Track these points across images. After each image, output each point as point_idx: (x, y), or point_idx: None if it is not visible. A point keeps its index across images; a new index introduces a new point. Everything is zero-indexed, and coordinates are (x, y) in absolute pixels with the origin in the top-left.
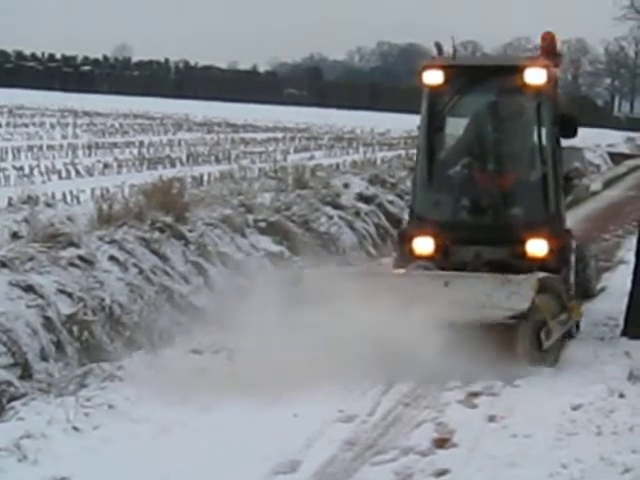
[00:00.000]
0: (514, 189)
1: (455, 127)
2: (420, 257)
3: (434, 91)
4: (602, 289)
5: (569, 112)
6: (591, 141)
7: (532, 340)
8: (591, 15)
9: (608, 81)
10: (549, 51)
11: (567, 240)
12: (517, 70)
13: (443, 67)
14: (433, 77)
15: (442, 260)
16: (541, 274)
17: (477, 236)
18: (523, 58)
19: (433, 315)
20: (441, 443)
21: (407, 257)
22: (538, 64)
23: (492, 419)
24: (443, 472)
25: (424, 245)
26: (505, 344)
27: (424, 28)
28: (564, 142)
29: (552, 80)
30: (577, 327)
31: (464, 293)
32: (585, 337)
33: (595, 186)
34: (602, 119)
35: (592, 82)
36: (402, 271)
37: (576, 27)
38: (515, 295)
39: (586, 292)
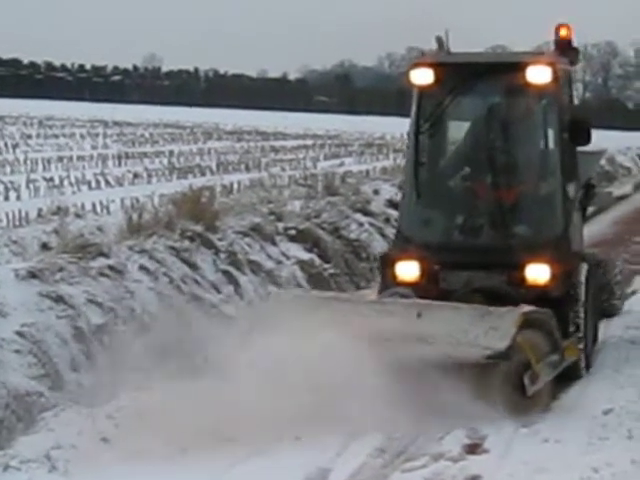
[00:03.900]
0: (514, 205)
1: (449, 133)
2: (404, 283)
3: (425, 92)
4: (633, 292)
5: (580, 115)
6: (622, 144)
7: (513, 385)
8: (621, 17)
9: (638, 84)
10: (564, 46)
11: (575, 265)
12: (518, 68)
13: (434, 65)
14: (423, 76)
15: (429, 287)
16: (527, 307)
17: (470, 260)
18: (526, 54)
19: (399, 351)
20: (472, 449)
21: (390, 283)
22: (542, 61)
23: (523, 424)
24: (474, 478)
25: (408, 270)
26: (482, 388)
27: (455, 33)
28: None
29: (560, 79)
30: (588, 365)
31: (438, 326)
32: (616, 341)
33: (625, 189)
34: (633, 122)
35: (622, 85)
36: (374, 298)
37: (606, 29)
38: (494, 331)
39: (609, 313)
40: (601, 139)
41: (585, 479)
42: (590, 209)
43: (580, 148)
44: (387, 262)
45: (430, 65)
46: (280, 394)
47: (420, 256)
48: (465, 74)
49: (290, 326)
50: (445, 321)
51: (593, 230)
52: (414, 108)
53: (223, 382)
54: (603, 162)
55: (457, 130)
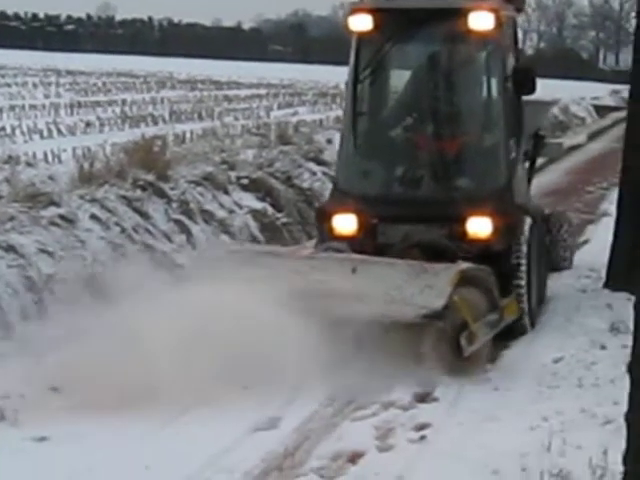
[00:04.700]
0: (456, 156)
1: (389, 82)
2: (341, 237)
3: (363, 39)
4: (585, 242)
5: (524, 63)
6: (576, 94)
7: (449, 345)
8: None
9: (593, 34)
10: None
11: (518, 219)
12: (460, 14)
13: (373, 10)
14: (361, 22)
15: (367, 241)
16: (464, 264)
17: (409, 213)
18: (469, 0)
19: (330, 308)
20: (422, 397)
21: (327, 237)
22: (485, 7)
23: (473, 373)
24: (424, 426)
25: (345, 223)
26: (415, 349)
27: None
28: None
29: (503, 26)
30: (532, 323)
31: (372, 283)
32: (567, 290)
33: (579, 139)
34: (587, 72)
35: (577, 35)
36: (307, 253)
37: None
38: (429, 289)
39: (558, 268)
40: (556, 89)
41: (534, 427)
42: (543, 159)
43: (530, 98)
44: (324, 215)
45: (369, 11)
46: (225, 346)
47: (357, 209)
48: (405, 20)
49: (225, 280)
50: (380, 278)
51: (547, 179)
52: (352, 56)
53: (170, 333)
54: (557, 112)
55: (397, 79)
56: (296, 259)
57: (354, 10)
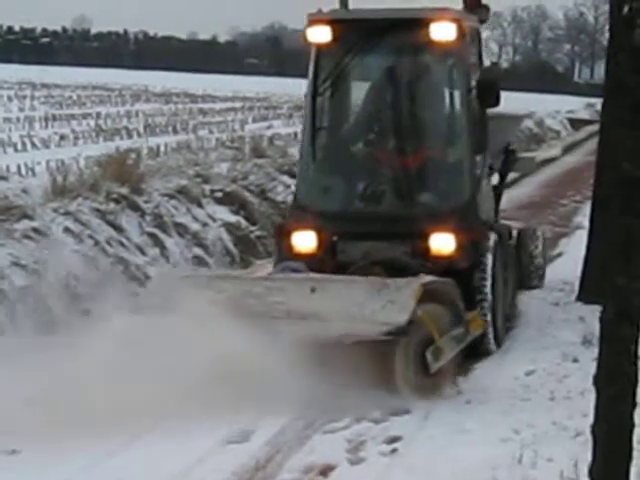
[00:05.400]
0: (417, 171)
1: (349, 95)
2: (300, 255)
3: (322, 51)
4: (559, 255)
5: (488, 75)
6: (551, 107)
7: (415, 362)
8: None
9: (568, 47)
10: (473, 3)
11: (483, 235)
12: (421, 24)
13: (332, 22)
14: (320, 34)
15: (326, 259)
16: (427, 277)
17: (371, 230)
18: (430, 10)
19: (289, 329)
20: (394, 410)
21: (286, 255)
22: (446, 17)
23: (440, 393)
24: (395, 439)
25: (305, 241)
26: (379, 367)
27: None
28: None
29: (466, 37)
30: (498, 341)
31: (332, 302)
32: (540, 302)
33: (553, 152)
34: (562, 85)
35: (552, 48)
36: (264, 274)
37: None
38: (391, 304)
39: (528, 285)
40: (531, 102)
41: (506, 440)
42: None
43: (500, 111)
44: (283, 233)
45: (327, 22)
46: (191, 367)
47: (317, 226)
48: (365, 31)
49: (180, 306)
50: (340, 296)
51: (521, 192)
52: (311, 68)
53: (141, 351)
54: (532, 125)
55: (357, 92)
56: (252, 281)
57: (312, 21)
